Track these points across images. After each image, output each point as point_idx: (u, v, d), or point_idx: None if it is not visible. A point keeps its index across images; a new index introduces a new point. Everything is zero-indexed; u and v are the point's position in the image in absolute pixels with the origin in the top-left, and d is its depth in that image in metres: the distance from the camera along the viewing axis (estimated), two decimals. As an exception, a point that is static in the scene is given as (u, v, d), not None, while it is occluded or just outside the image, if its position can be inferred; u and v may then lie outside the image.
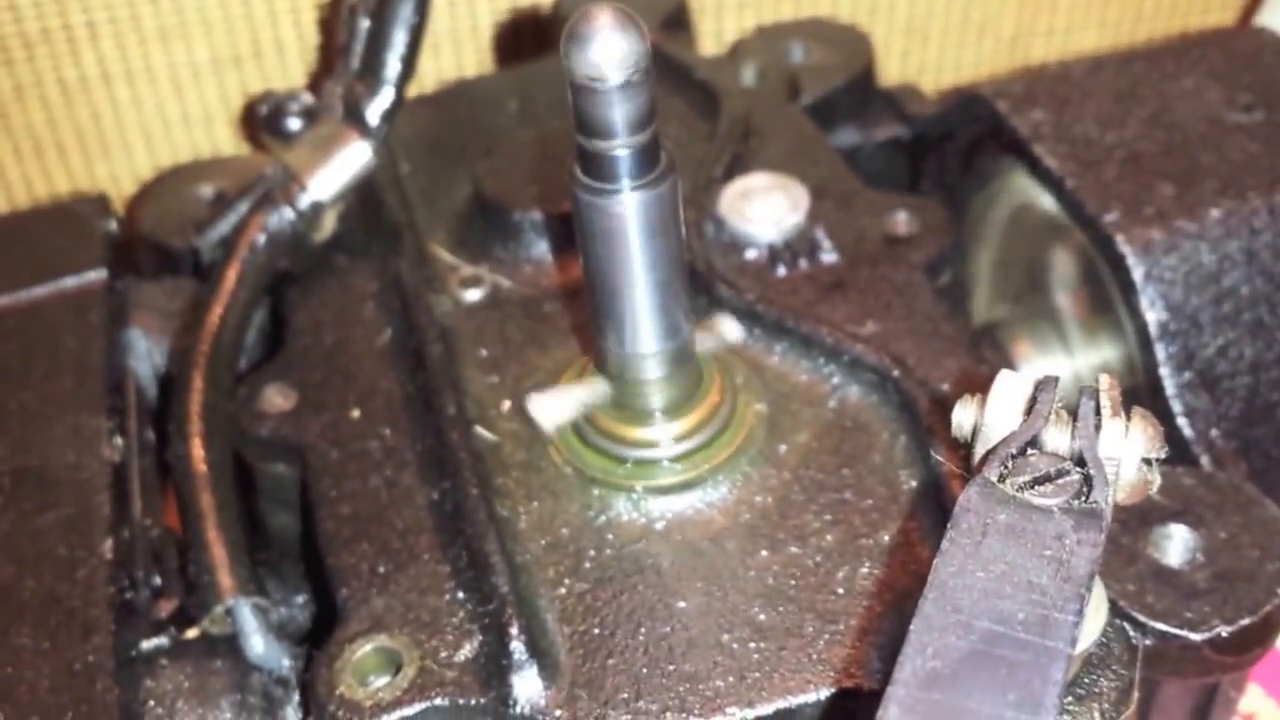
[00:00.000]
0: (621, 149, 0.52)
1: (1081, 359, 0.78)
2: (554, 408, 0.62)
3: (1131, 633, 0.56)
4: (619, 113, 0.51)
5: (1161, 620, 0.56)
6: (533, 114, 0.83)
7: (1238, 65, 0.80)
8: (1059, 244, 0.77)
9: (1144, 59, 0.82)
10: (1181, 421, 0.70)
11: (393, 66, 0.71)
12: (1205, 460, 0.69)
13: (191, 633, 0.59)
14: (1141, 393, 0.71)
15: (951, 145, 0.85)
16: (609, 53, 0.50)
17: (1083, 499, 0.45)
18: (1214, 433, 0.70)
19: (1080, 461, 0.46)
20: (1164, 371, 0.70)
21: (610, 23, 0.50)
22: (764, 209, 0.73)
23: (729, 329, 0.65)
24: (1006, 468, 0.46)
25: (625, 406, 0.61)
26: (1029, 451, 0.47)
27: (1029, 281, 0.82)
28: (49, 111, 0.93)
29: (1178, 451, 0.70)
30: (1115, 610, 0.56)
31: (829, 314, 0.68)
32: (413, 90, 0.75)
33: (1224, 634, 0.56)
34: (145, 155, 0.97)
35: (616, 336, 0.58)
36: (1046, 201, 0.77)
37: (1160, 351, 0.70)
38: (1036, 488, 0.45)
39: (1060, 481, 0.46)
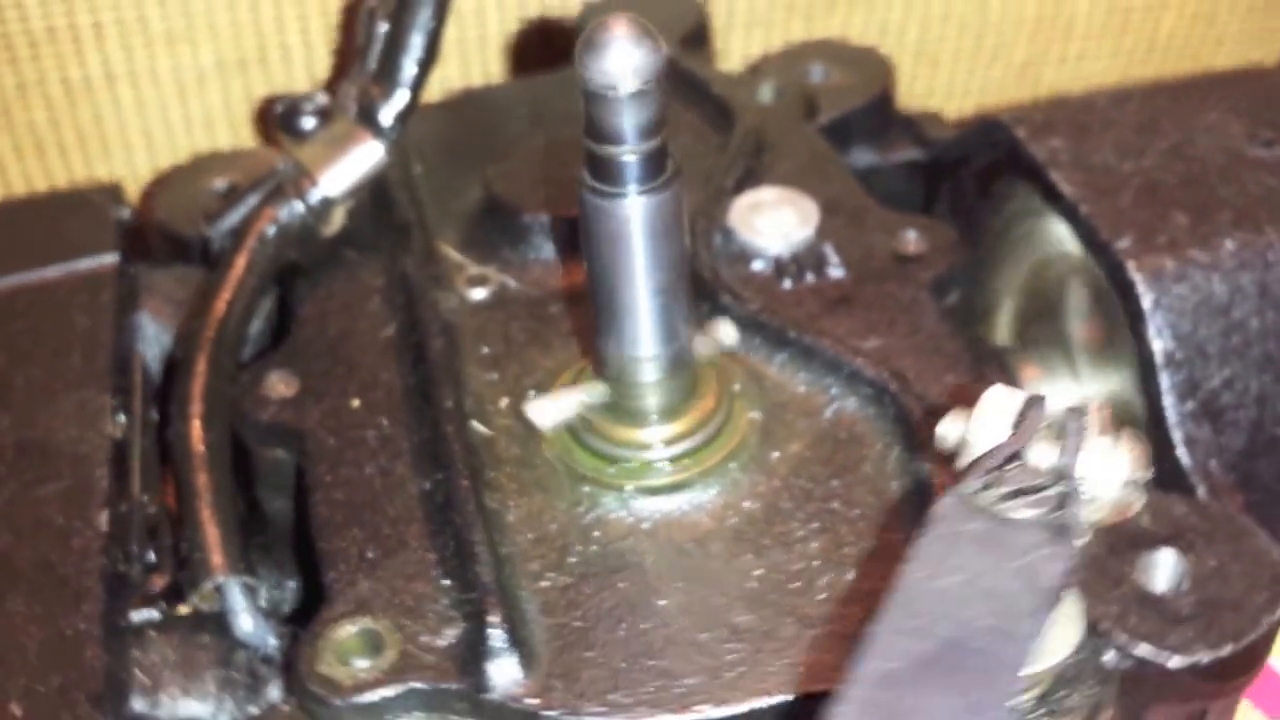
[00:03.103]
0: (630, 154, 0.53)
1: (1090, 386, 0.78)
2: (551, 409, 0.63)
3: (1111, 654, 0.56)
4: (629, 120, 0.52)
5: (1143, 643, 0.56)
6: (547, 122, 0.84)
7: (1263, 101, 0.80)
8: (1072, 271, 0.77)
9: (1169, 92, 0.82)
10: (1181, 451, 0.70)
11: (408, 70, 0.72)
12: (1202, 490, 0.69)
13: (184, 609, 0.60)
14: (1146, 421, 0.71)
15: (968, 170, 0.85)
16: (623, 62, 0.51)
17: (1060, 514, 0.46)
18: (1213, 464, 0.70)
19: (1062, 478, 0.47)
20: (1167, 400, 0.70)
21: (625, 33, 0.51)
22: (773, 222, 0.73)
23: (726, 333, 0.66)
24: (988, 480, 0.47)
25: (620, 408, 0.62)
26: (1011, 466, 0.47)
27: (1041, 307, 0.82)
28: (51, 110, 0.94)
29: (1175, 481, 0.70)
30: (1097, 632, 0.56)
31: (832, 328, 0.69)
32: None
33: (1205, 661, 0.56)
34: (146, 157, 0.98)
35: (616, 338, 0.59)
36: (1060, 229, 0.77)
37: (1164, 380, 0.70)
38: (1015, 500, 0.46)
39: (1039, 496, 0.46)
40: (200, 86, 0.96)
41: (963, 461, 0.50)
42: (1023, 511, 0.45)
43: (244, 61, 0.95)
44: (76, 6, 0.90)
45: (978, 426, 0.49)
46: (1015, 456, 0.47)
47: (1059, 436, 0.48)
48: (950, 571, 0.43)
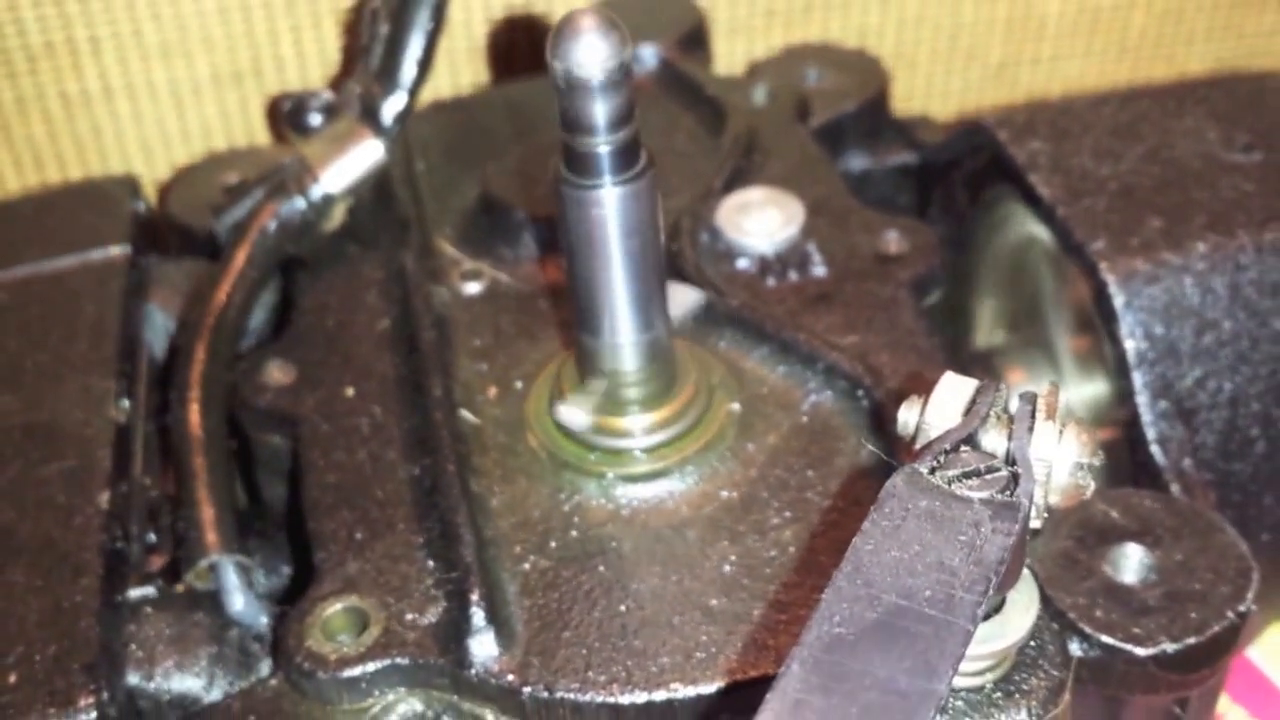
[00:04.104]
0: (603, 145, 0.55)
1: (1074, 391, 0.79)
2: (581, 410, 0.64)
3: (1076, 643, 0.57)
4: (601, 111, 0.54)
5: (1108, 633, 0.57)
6: (547, 123, 0.86)
7: (1241, 107, 0.82)
8: (1056, 275, 0.79)
9: (1149, 97, 0.84)
10: (1154, 449, 0.71)
11: (408, 70, 0.74)
12: (1176, 489, 0.70)
13: (180, 587, 0.63)
14: (1122, 423, 0.73)
15: (958, 173, 0.87)
16: (592, 54, 0.53)
17: (1007, 494, 0.47)
18: (1186, 462, 0.71)
19: (1011, 461, 0.49)
20: (1140, 399, 0.71)
21: (594, 26, 0.53)
22: (759, 222, 0.75)
23: (686, 295, 0.69)
24: (939, 461, 0.48)
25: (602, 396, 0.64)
26: (962, 448, 0.49)
27: (1027, 311, 0.83)
28: (50, 124, 0.96)
29: (1150, 479, 0.71)
30: (1064, 622, 0.58)
31: (812, 324, 0.70)
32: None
33: (1170, 651, 0.57)
34: (144, 169, 1.00)
35: (594, 327, 0.61)
36: (1045, 232, 0.78)
37: (1137, 379, 0.71)
38: (965, 481, 0.47)
39: (988, 477, 0.47)
40: (196, 98, 0.98)
41: (918, 445, 0.51)
42: (973, 491, 0.47)
43: (239, 73, 0.97)
44: (74, 21, 0.92)
45: (932, 411, 0.50)
46: (966, 440, 0.49)
47: (1009, 422, 0.49)
48: (899, 544, 0.45)
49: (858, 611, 0.43)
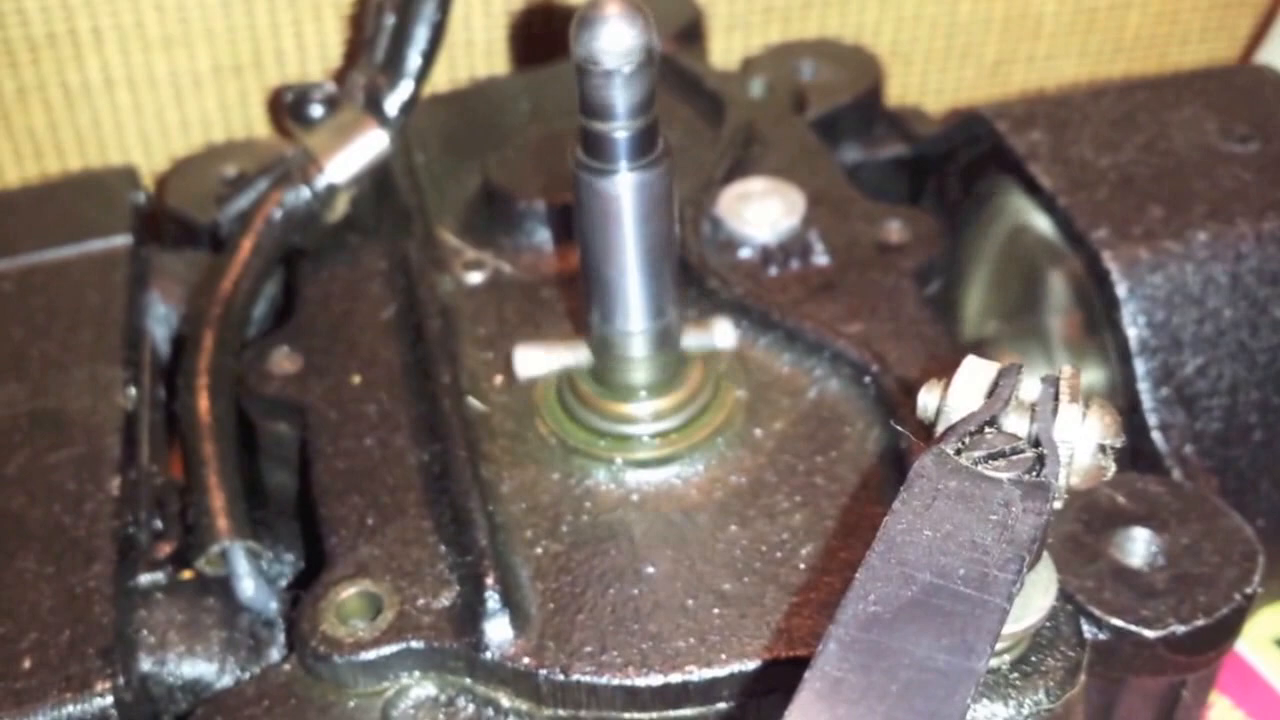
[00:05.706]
0: (621, 131, 0.55)
1: (1068, 381, 0.80)
2: (535, 360, 0.65)
3: (1086, 625, 0.58)
4: (621, 96, 0.54)
5: (1117, 616, 0.58)
6: (544, 114, 0.87)
7: (1237, 98, 0.82)
8: (1052, 265, 0.80)
9: (1145, 88, 0.84)
10: (1156, 436, 0.72)
11: (413, 61, 0.74)
12: (1177, 474, 0.71)
13: (187, 574, 0.63)
14: (1123, 410, 0.73)
15: (953, 165, 0.87)
16: (615, 39, 0.53)
17: (1034, 474, 0.47)
18: (1188, 449, 0.72)
19: (1036, 443, 0.49)
20: (1142, 386, 0.72)
21: (618, 12, 0.53)
22: (760, 211, 0.76)
23: (722, 333, 0.68)
24: (964, 443, 0.48)
25: (610, 383, 0.64)
26: (987, 430, 0.49)
27: (1021, 301, 0.84)
28: (51, 115, 0.96)
29: (1151, 466, 0.71)
30: (1074, 605, 0.58)
31: (816, 312, 0.71)
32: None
33: (1178, 633, 0.58)
34: (143, 161, 0.99)
35: (606, 313, 0.61)
36: (1042, 222, 0.79)
37: (1139, 366, 0.72)
38: (991, 462, 0.47)
39: (1014, 458, 0.48)
40: (197, 90, 0.98)
41: (939, 429, 0.52)
42: (1000, 472, 0.47)
43: (239, 66, 0.97)
44: (76, 12, 0.92)
45: (954, 394, 0.51)
46: (990, 423, 0.49)
47: (1032, 404, 0.49)
48: (931, 523, 0.45)
49: (893, 590, 0.43)
